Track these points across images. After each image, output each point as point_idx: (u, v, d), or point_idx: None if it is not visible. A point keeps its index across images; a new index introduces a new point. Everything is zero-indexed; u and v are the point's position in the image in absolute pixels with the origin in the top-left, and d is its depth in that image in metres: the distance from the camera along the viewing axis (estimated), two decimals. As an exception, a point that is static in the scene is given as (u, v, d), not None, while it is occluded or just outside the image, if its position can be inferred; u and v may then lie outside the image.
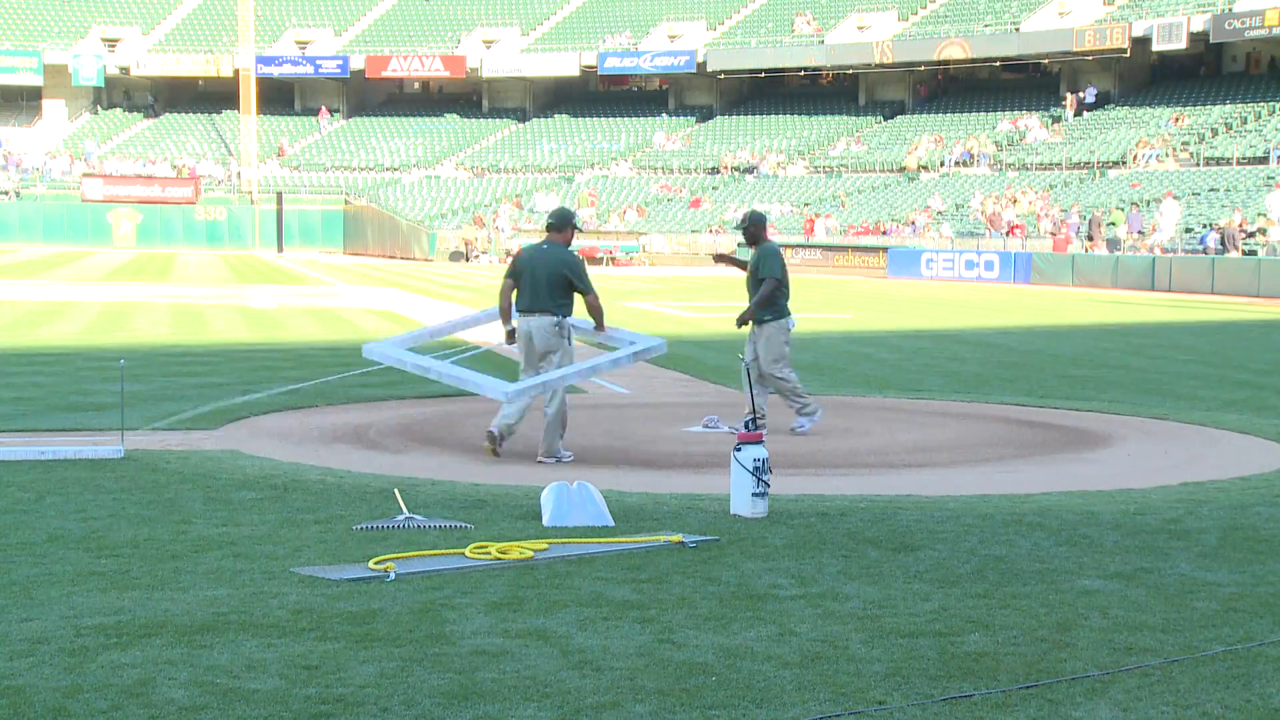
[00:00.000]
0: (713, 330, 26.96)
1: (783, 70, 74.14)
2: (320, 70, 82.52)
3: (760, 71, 74.68)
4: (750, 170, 69.87)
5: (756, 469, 9.23)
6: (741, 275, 14.26)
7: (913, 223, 56.49)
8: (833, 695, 5.79)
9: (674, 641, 6.50)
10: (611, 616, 6.90)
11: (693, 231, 63.40)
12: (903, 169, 65.11)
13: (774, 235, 59.68)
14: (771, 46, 73.67)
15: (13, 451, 11.52)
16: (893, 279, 50.06)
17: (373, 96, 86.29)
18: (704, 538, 8.59)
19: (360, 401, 15.61)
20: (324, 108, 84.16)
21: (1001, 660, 6.27)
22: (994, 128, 66.82)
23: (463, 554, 8.12)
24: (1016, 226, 52.79)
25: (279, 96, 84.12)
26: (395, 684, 5.87)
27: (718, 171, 70.74)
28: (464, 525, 9.04)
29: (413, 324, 27.07)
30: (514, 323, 12.24)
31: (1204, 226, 47.18)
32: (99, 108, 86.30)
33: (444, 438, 13.14)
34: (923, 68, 71.36)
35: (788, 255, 57.33)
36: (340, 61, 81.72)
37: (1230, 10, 60.44)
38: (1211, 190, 51.83)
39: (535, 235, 63.88)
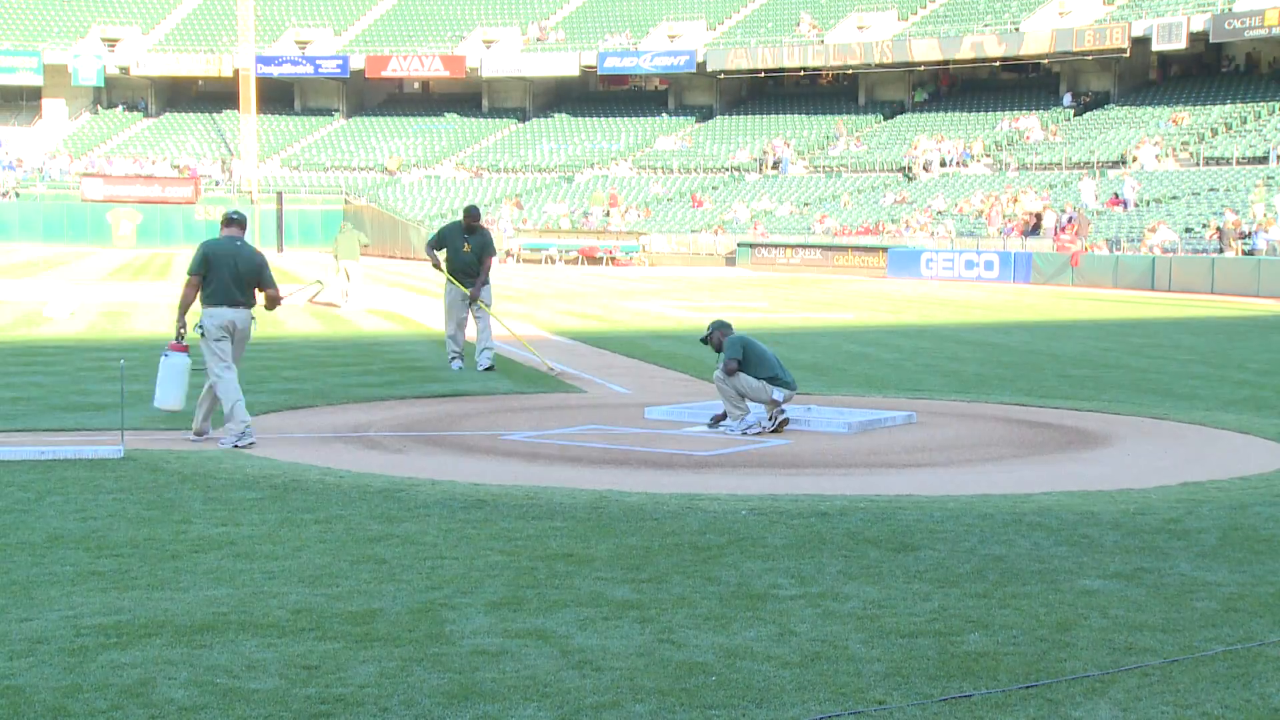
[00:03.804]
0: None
1: (783, 70, 74.13)
2: (320, 70, 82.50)
3: (760, 71, 74.68)
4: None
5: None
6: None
7: (909, 225, 56.43)
8: (833, 695, 5.79)
9: (674, 641, 6.50)
10: (611, 616, 6.90)
11: (693, 231, 63.42)
12: (903, 168, 65.16)
13: (773, 235, 59.80)
14: (771, 46, 73.66)
15: (13, 451, 11.52)
16: (893, 279, 50.04)
17: (373, 96, 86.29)
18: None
19: (360, 401, 15.62)
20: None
21: (1001, 660, 6.27)
22: (994, 128, 66.83)
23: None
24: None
25: (279, 96, 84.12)
26: (395, 684, 5.87)
27: (734, 169, 70.55)
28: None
29: (414, 323, 27.08)
30: None
31: (1204, 226, 47.19)
32: (99, 107, 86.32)
33: (444, 438, 13.14)
34: (922, 68, 71.37)
35: (785, 255, 57.57)
36: (340, 61, 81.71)
37: (1230, 10, 60.42)
38: (1211, 190, 51.83)
39: (534, 236, 64.02)
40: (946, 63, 70.31)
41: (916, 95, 72.68)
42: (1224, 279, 41.28)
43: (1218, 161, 55.69)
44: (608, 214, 66.60)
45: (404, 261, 63.42)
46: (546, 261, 60.68)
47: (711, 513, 9.46)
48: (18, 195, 76.77)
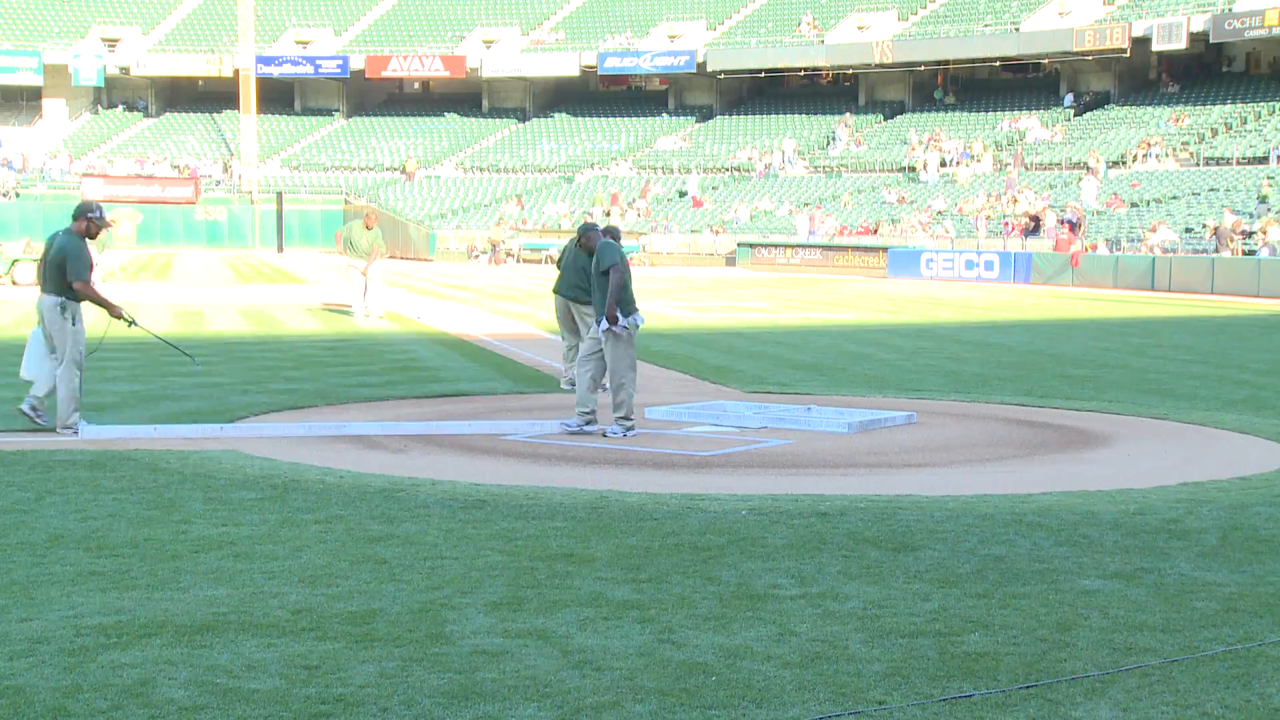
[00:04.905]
0: (713, 329, 26.98)
1: (783, 70, 74.11)
2: (320, 70, 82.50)
3: (760, 71, 74.66)
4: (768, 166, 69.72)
5: None
6: None
7: (914, 224, 56.43)
8: (833, 695, 5.79)
9: (674, 641, 6.50)
10: (611, 616, 6.90)
11: (693, 231, 63.43)
12: (903, 168, 65.16)
13: (775, 236, 59.78)
14: (771, 46, 73.64)
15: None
16: (892, 279, 50.05)
17: (373, 96, 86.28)
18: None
19: (360, 401, 15.61)
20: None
21: (1001, 660, 6.27)
22: (994, 128, 66.83)
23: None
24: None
25: (279, 96, 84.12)
26: (395, 684, 5.87)
27: (734, 169, 70.51)
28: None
29: (412, 324, 27.07)
30: None
31: (1203, 226, 47.17)
32: (99, 107, 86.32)
33: (444, 437, 13.14)
34: (923, 68, 71.38)
35: (785, 255, 57.51)
36: (340, 61, 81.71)
37: (1230, 10, 60.42)
38: (1211, 190, 51.82)
39: (535, 236, 64.02)
40: (946, 63, 70.32)
41: (937, 94, 72.64)
42: (1224, 279, 41.27)
43: (1218, 161, 55.68)
44: (608, 214, 66.59)
45: (404, 262, 63.42)
46: (546, 261, 60.64)
47: (711, 513, 9.46)
48: (18, 195, 76.77)
